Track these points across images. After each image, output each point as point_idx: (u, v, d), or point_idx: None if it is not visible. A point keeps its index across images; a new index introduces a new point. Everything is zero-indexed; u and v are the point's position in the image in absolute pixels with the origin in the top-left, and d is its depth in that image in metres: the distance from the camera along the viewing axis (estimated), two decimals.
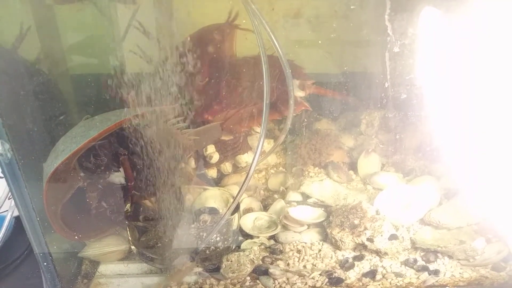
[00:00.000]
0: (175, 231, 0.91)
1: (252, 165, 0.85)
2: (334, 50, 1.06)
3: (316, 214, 1.04)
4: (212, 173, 1.14)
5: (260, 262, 0.93)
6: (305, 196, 1.10)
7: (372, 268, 0.92)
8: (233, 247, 0.98)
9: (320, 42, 1.04)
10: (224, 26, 1.02)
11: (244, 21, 0.99)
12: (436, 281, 0.89)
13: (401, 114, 1.08)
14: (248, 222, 1.03)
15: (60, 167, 0.78)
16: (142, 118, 0.79)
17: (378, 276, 0.90)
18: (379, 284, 0.89)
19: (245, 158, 1.13)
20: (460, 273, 0.91)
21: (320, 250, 0.97)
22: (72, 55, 1.01)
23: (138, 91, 0.76)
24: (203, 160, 1.09)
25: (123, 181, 0.92)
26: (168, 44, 0.79)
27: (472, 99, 0.92)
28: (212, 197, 1.06)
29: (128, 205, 0.96)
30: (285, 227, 1.01)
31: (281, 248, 0.97)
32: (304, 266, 0.94)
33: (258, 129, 1.11)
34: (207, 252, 0.94)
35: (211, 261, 0.93)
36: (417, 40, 0.92)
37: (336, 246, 0.97)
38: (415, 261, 0.93)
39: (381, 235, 0.92)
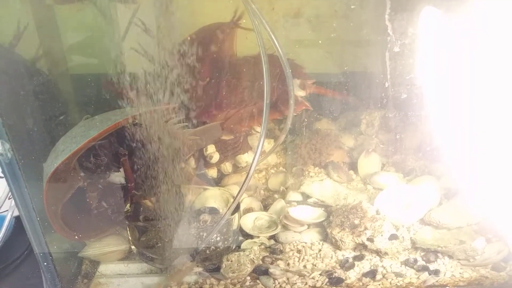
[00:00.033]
0: (175, 231, 0.91)
1: (252, 165, 0.85)
2: (334, 49, 1.06)
3: (316, 214, 1.04)
4: (212, 173, 1.13)
5: (260, 262, 0.93)
6: (305, 196, 1.09)
7: (372, 268, 0.92)
8: (233, 247, 0.97)
9: (320, 41, 1.04)
10: (224, 25, 1.02)
11: (244, 20, 0.99)
12: (436, 281, 0.89)
13: (401, 114, 1.08)
14: (248, 222, 1.03)
15: (60, 167, 0.78)
16: (142, 117, 0.79)
17: (378, 276, 0.90)
18: (379, 284, 0.89)
19: (245, 158, 1.13)
20: (460, 273, 0.91)
21: (320, 250, 0.97)
22: (72, 55, 1.01)
23: (139, 90, 0.76)
24: (203, 160, 1.09)
25: (123, 181, 0.92)
26: (168, 43, 0.79)
27: (472, 98, 0.92)
28: (212, 197, 1.05)
29: (128, 205, 0.96)
30: (285, 227, 1.01)
31: (281, 248, 0.97)
32: (304, 266, 0.93)
33: (258, 129, 1.11)
34: (207, 252, 0.94)
35: (211, 261, 0.93)
36: (417, 39, 0.92)
37: (336, 246, 0.97)
38: (415, 261, 0.93)
39: (381, 235, 0.92)
